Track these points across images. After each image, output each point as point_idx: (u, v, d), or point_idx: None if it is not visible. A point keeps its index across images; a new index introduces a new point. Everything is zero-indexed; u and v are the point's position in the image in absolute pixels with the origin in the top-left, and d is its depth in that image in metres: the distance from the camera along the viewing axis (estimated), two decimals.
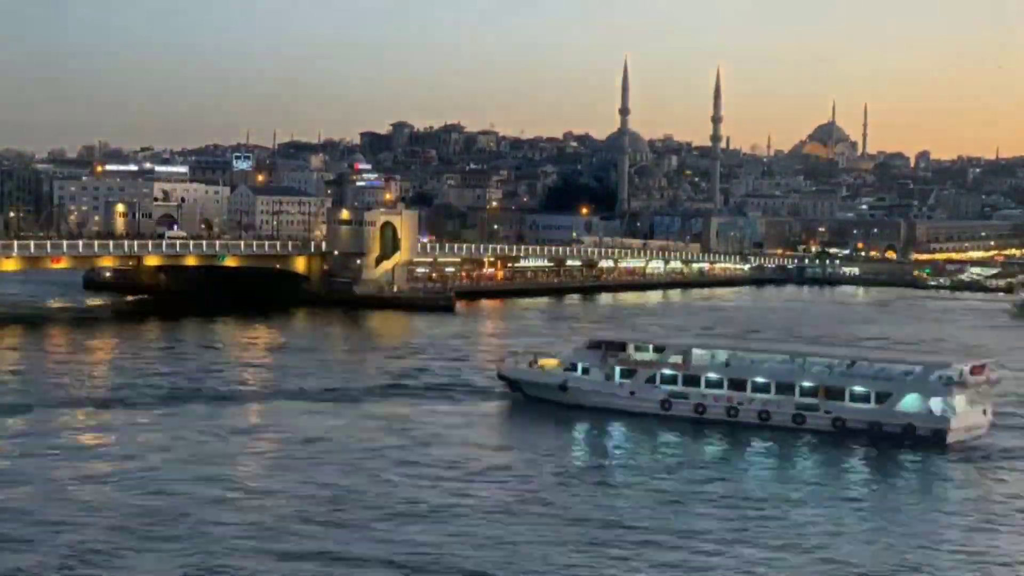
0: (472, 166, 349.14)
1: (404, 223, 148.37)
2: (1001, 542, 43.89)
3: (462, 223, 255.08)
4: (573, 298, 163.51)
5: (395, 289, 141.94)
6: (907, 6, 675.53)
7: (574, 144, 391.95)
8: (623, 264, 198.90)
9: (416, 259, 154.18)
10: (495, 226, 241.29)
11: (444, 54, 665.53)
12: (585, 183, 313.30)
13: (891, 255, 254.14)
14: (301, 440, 56.76)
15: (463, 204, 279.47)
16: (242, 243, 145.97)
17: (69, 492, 45.78)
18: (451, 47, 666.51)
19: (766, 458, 58.25)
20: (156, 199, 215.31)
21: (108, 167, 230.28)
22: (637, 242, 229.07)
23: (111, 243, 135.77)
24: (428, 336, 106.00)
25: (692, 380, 64.65)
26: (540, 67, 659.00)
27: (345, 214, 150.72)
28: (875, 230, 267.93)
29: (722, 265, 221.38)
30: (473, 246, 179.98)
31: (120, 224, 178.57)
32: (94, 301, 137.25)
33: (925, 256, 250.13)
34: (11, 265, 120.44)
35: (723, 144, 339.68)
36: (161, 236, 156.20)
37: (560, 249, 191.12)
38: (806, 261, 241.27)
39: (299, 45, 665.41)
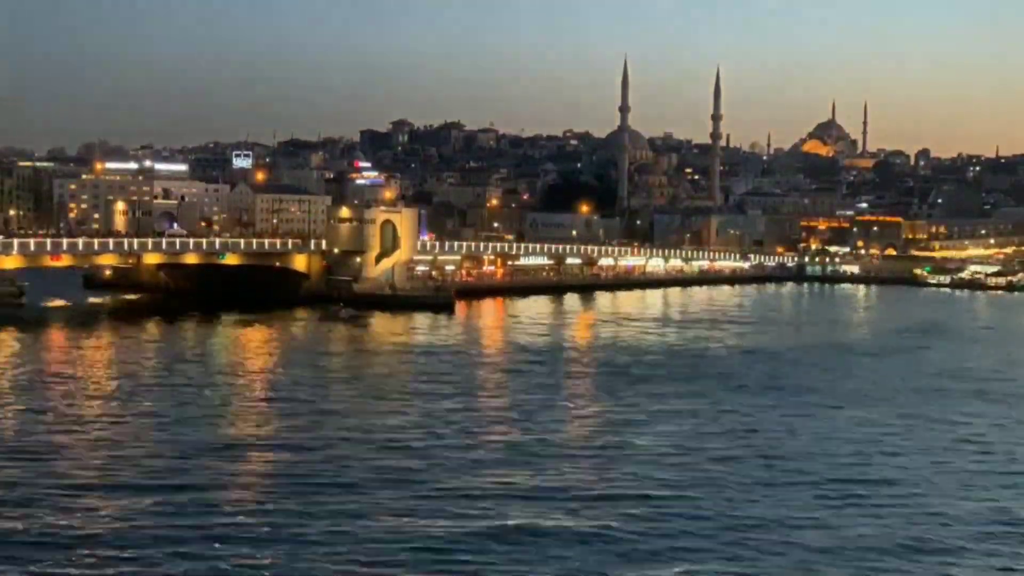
0: (472, 164, 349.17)
1: (404, 221, 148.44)
2: None
3: (462, 221, 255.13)
4: (574, 297, 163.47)
5: (395, 287, 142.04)
6: (907, 4, 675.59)
7: (574, 142, 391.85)
8: (623, 262, 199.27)
9: (416, 257, 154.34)
10: (495, 224, 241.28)
11: (444, 52, 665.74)
12: (585, 181, 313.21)
13: (891, 253, 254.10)
14: None
15: (463, 202, 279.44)
16: (242, 241, 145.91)
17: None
18: (451, 45, 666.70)
19: None
20: (156, 197, 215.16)
21: (108, 165, 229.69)
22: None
23: (111, 241, 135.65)
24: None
25: None
26: (540, 65, 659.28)
27: (345, 212, 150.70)
28: (875, 228, 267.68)
29: (722, 264, 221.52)
30: (473, 244, 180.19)
31: (120, 222, 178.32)
32: (94, 300, 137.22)
33: (925, 254, 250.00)
34: (11, 263, 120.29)
35: (723, 142, 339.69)
36: (161, 234, 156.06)
37: (560, 247, 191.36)
38: (806, 259, 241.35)
39: (299, 43, 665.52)
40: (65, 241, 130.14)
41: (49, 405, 63.53)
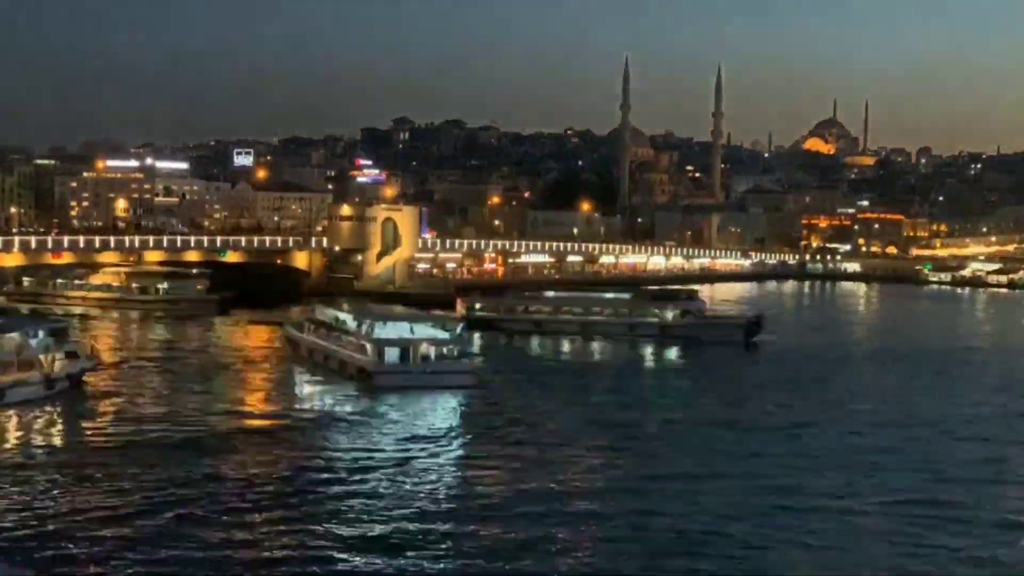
0: (473, 162, 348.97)
1: (405, 219, 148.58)
2: None
3: (463, 219, 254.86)
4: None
5: (396, 285, 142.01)
6: (908, 2, 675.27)
7: (575, 140, 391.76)
8: (624, 260, 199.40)
9: (417, 255, 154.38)
10: (496, 222, 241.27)
11: (445, 50, 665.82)
12: (586, 179, 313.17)
13: (892, 251, 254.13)
14: None
15: (464, 200, 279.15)
16: (243, 238, 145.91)
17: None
18: (452, 43, 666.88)
19: None
20: (157, 195, 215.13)
21: (109, 163, 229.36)
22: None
23: (112, 239, 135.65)
24: None
25: None
26: (541, 63, 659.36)
27: (346, 210, 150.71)
28: (876, 226, 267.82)
29: (723, 261, 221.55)
30: (474, 242, 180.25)
31: (121, 220, 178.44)
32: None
33: (926, 252, 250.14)
34: (12, 261, 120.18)
35: (724, 140, 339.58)
36: (162, 232, 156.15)
37: (561, 245, 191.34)
38: (807, 257, 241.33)
39: (300, 41, 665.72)
40: (66, 239, 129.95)
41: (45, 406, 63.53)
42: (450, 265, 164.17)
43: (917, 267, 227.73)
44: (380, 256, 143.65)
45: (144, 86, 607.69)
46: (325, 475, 47.14)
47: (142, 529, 39.02)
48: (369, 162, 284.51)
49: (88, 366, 67.06)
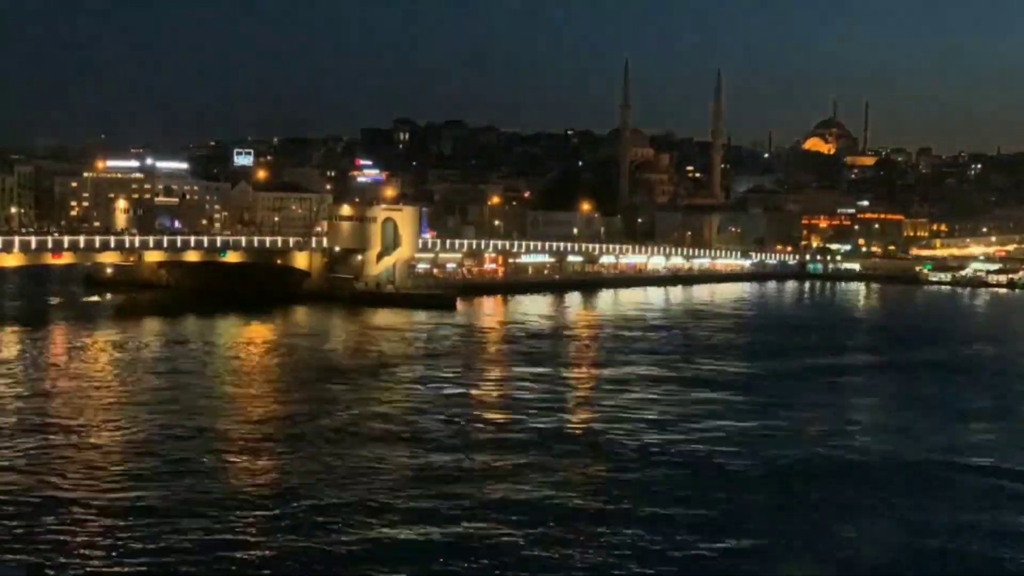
0: (473, 162, 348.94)
1: (405, 219, 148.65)
2: None
3: (463, 219, 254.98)
4: (575, 294, 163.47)
5: (397, 285, 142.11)
6: (908, 1, 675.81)
7: (575, 140, 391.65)
8: (624, 260, 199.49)
9: (417, 255, 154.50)
10: (496, 222, 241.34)
11: (445, 50, 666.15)
12: (586, 179, 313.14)
13: (892, 250, 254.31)
14: None
15: (464, 200, 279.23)
16: (243, 239, 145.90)
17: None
18: (452, 43, 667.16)
19: None
20: (157, 195, 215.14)
21: (109, 163, 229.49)
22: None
23: (112, 239, 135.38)
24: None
25: None
26: (541, 63, 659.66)
27: (346, 210, 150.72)
28: (876, 226, 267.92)
29: (723, 262, 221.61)
30: (474, 242, 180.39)
31: (121, 220, 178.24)
32: (95, 298, 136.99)
33: (926, 252, 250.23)
34: (12, 261, 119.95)
35: (724, 140, 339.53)
36: (162, 232, 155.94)
37: (561, 245, 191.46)
38: (807, 257, 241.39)
39: (300, 41, 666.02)
40: (66, 239, 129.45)
41: (48, 405, 63.55)
42: (450, 265, 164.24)
43: (917, 267, 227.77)
44: (380, 256, 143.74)
45: (144, 86, 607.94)
46: None
47: None
48: (369, 162, 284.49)
49: None
